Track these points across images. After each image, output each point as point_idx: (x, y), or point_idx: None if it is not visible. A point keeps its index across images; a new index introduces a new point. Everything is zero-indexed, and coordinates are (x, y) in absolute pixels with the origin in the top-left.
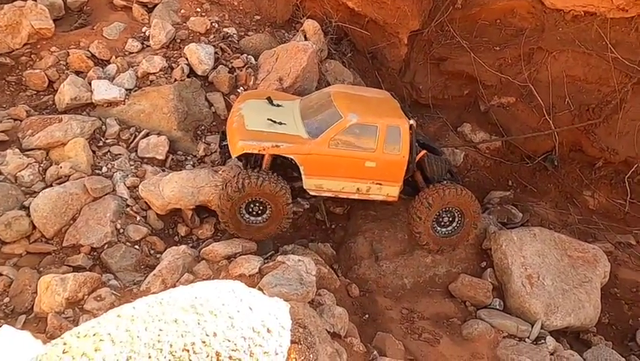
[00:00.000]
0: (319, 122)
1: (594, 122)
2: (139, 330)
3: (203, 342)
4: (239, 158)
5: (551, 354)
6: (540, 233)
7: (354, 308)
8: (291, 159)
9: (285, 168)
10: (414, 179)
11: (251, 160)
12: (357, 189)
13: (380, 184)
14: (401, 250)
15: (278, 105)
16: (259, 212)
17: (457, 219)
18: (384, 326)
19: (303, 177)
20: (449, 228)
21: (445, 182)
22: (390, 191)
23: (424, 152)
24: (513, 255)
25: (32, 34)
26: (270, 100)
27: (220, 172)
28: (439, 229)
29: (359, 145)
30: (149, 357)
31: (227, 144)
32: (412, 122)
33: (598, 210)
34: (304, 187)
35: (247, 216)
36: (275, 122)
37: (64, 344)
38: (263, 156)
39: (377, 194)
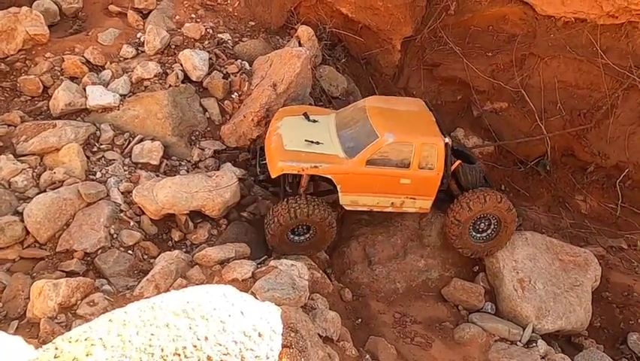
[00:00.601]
0: (355, 141)
1: (585, 127)
2: (130, 334)
3: (195, 346)
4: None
5: (542, 358)
6: (532, 237)
7: (347, 312)
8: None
9: (317, 181)
10: (448, 187)
11: (288, 176)
12: (392, 203)
13: (414, 199)
14: (394, 255)
15: (314, 121)
16: (304, 232)
17: (492, 226)
18: (376, 330)
19: (339, 194)
20: (484, 234)
21: (480, 188)
22: (424, 204)
23: (458, 162)
24: (505, 259)
25: (27, 40)
26: (306, 116)
27: (214, 177)
28: (474, 234)
29: (394, 162)
30: None
31: (265, 163)
32: (447, 140)
33: (590, 214)
34: (340, 203)
35: (292, 236)
36: (312, 142)
37: (56, 348)
38: (301, 176)
39: (411, 207)
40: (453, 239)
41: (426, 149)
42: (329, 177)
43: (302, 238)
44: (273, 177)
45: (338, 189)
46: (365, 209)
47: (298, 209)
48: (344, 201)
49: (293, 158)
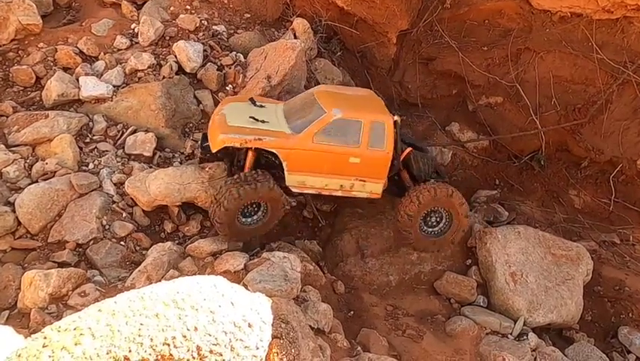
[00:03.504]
0: (302, 120)
1: (580, 122)
2: (119, 324)
3: (184, 336)
4: (219, 158)
5: (533, 350)
6: (524, 231)
7: (339, 305)
8: (275, 157)
9: (268, 169)
10: (400, 178)
11: (233, 161)
12: (341, 185)
13: (364, 181)
14: (387, 248)
15: (261, 106)
16: (254, 211)
17: (444, 220)
18: (369, 323)
19: (285, 173)
20: (436, 228)
21: (432, 181)
22: (374, 188)
23: (409, 149)
24: (497, 253)
25: (20, 29)
26: (252, 101)
27: (207, 169)
28: (425, 228)
29: (343, 141)
30: (130, 351)
31: (208, 145)
32: (396, 118)
33: (583, 209)
34: (287, 184)
35: (243, 219)
36: (257, 120)
37: (45, 338)
38: (246, 156)
39: (360, 191)
40: (405, 233)
41: (375, 127)
42: (274, 151)
43: (254, 218)
44: (213, 151)
45: (284, 167)
46: (312, 192)
47: (241, 187)
48: (290, 181)
49: (236, 131)
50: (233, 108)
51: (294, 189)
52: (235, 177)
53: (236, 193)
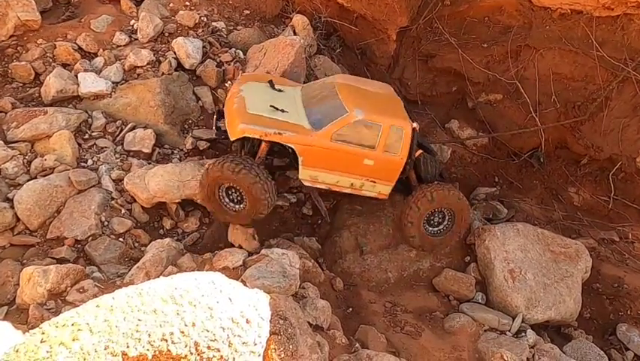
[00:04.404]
0: (322, 114)
1: (580, 119)
2: (117, 320)
3: (182, 332)
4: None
5: (531, 347)
6: (523, 228)
7: (338, 302)
8: (291, 149)
9: (281, 157)
10: (407, 178)
11: (246, 145)
12: (352, 184)
13: (374, 182)
14: (386, 245)
15: (279, 90)
16: (238, 200)
17: (447, 220)
18: (367, 319)
19: (300, 167)
20: (439, 227)
21: (436, 182)
22: (383, 189)
23: (420, 152)
24: (496, 250)
25: (19, 26)
26: (271, 84)
27: (206, 166)
28: (428, 228)
29: (360, 142)
30: (127, 347)
31: (223, 124)
32: (415, 125)
33: (582, 206)
34: (299, 177)
35: (227, 201)
36: (277, 109)
37: (43, 333)
38: (260, 142)
39: (370, 191)
40: (407, 227)
41: (393, 131)
42: (292, 146)
43: (237, 206)
44: (232, 139)
45: (299, 161)
46: (323, 187)
47: (226, 163)
48: (303, 175)
49: (256, 122)
50: (252, 90)
51: (305, 183)
52: (221, 158)
53: (219, 168)
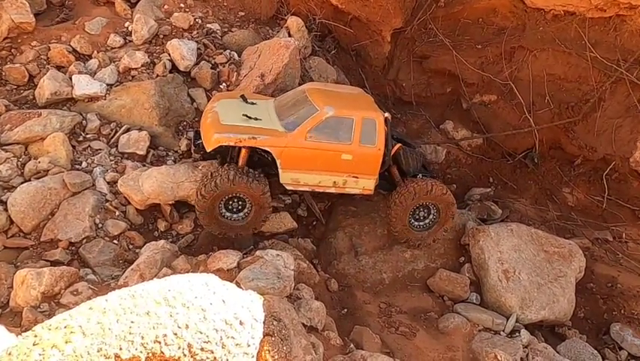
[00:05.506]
0: (295, 117)
1: (573, 120)
2: (110, 322)
3: (175, 334)
4: (213, 155)
5: (525, 347)
6: (517, 229)
7: (332, 303)
8: (268, 154)
9: (262, 166)
10: (390, 173)
11: (226, 158)
12: (334, 182)
13: (356, 177)
14: (380, 246)
15: (252, 103)
16: (238, 209)
17: (432, 214)
18: (362, 320)
19: (279, 171)
20: (425, 222)
21: (420, 176)
22: (367, 184)
23: (399, 145)
24: (490, 250)
25: (13, 28)
26: (244, 98)
27: (200, 167)
28: (414, 222)
29: (335, 138)
30: (120, 349)
31: (201, 142)
32: (386, 114)
33: (576, 206)
34: (281, 181)
35: (225, 212)
36: (250, 117)
37: (35, 336)
38: (239, 153)
39: (353, 187)
40: (393, 224)
41: (366, 124)
42: (268, 149)
43: (238, 215)
44: (208, 150)
45: (278, 165)
46: (306, 189)
47: (219, 177)
48: (284, 179)
49: (230, 130)
50: (225, 105)
51: (288, 187)
52: (225, 166)
53: (213, 184)
